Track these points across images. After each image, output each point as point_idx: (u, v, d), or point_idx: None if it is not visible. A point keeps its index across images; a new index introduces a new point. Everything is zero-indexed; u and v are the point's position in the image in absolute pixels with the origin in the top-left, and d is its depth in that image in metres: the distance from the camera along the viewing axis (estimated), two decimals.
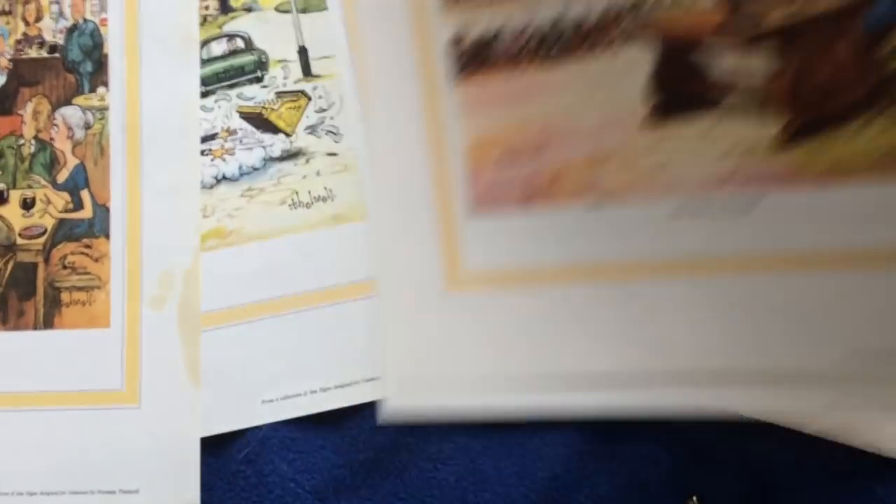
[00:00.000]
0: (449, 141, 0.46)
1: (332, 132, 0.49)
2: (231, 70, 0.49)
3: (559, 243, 0.45)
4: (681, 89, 0.44)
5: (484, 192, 0.45)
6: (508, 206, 0.45)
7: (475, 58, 0.46)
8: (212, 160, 0.49)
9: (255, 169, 0.49)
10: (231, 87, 0.49)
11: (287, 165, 0.49)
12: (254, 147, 0.49)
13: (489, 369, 0.45)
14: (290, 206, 0.48)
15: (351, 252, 0.48)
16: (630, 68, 0.44)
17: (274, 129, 0.49)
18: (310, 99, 0.49)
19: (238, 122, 0.49)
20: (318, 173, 0.49)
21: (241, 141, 0.49)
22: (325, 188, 0.49)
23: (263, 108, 0.49)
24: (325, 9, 0.49)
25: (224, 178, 0.48)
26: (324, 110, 0.49)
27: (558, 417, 0.47)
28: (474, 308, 0.45)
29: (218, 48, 0.49)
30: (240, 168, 0.49)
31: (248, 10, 0.49)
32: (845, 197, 0.41)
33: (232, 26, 0.49)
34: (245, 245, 0.48)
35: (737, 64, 0.43)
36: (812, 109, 0.42)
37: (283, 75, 0.49)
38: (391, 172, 0.46)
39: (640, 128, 0.44)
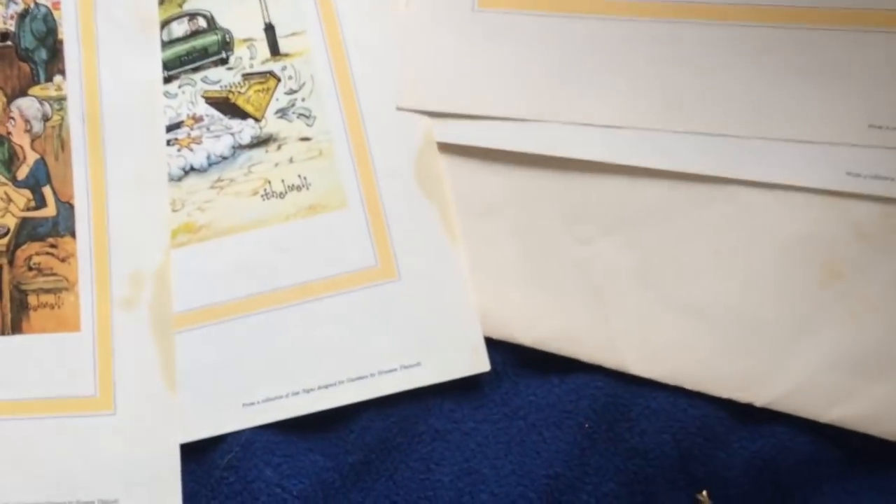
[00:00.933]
0: None
1: (304, 115, 0.46)
2: (194, 52, 0.46)
3: (568, 45, 0.44)
4: None
5: None
6: (514, 3, 0.45)
7: None
8: (178, 150, 0.45)
9: (224, 158, 0.45)
10: (195, 70, 0.46)
11: (258, 153, 0.46)
12: (221, 134, 0.46)
13: (504, 95, 0.45)
14: (262, 196, 0.45)
15: (330, 244, 0.45)
16: None
17: (242, 115, 0.46)
18: (279, 80, 0.46)
19: (204, 109, 0.46)
20: (290, 160, 0.45)
21: (208, 128, 0.46)
22: (300, 176, 0.45)
23: (230, 91, 0.46)
24: None
25: (192, 168, 0.45)
26: (294, 91, 0.46)
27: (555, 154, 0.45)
28: (504, 28, 0.45)
29: (179, 29, 0.46)
30: (208, 158, 0.45)
31: None
32: None
33: (193, 4, 0.46)
34: (217, 240, 0.45)
35: None
36: None
37: (250, 55, 0.46)
38: None
39: None
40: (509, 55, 0.45)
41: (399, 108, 0.45)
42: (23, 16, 0.46)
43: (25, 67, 0.46)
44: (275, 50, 0.46)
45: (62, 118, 0.46)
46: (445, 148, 0.45)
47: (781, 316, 0.44)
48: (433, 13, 0.45)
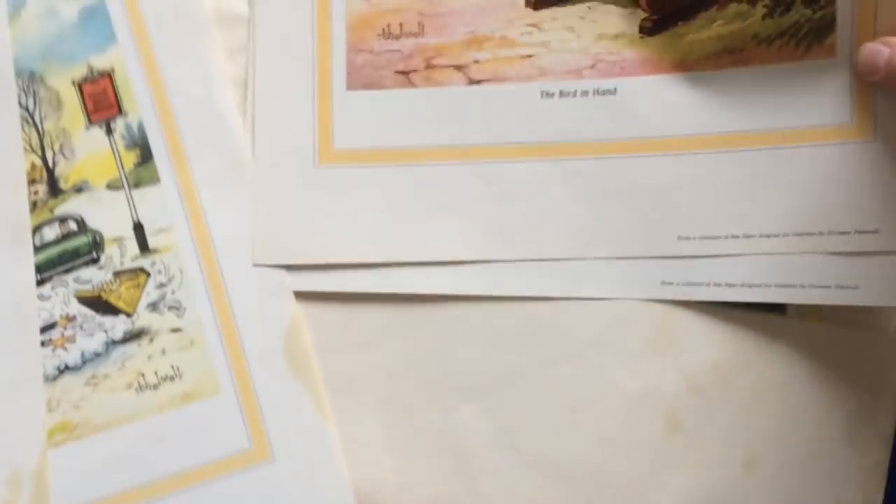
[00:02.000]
0: (334, 14, 0.49)
1: (174, 307, 0.48)
2: (66, 254, 0.48)
3: (434, 121, 0.49)
4: None
5: (361, 68, 0.49)
6: (385, 83, 0.49)
7: None
8: (53, 350, 0.47)
9: (98, 354, 0.47)
10: (67, 271, 0.48)
11: (130, 347, 0.47)
12: (95, 332, 0.47)
13: (352, 243, 0.48)
14: (136, 389, 0.47)
15: (204, 431, 0.47)
16: None
17: (114, 311, 0.48)
18: (149, 275, 0.48)
19: (77, 308, 0.47)
20: (163, 352, 0.47)
21: (81, 327, 0.47)
22: (172, 367, 0.47)
23: (102, 290, 0.48)
24: (157, 181, 0.48)
25: (67, 367, 0.47)
26: (164, 285, 0.48)
27: (405, 291, 0.48)
28: (344, 181, 0.48)
29: (51, 233, 0.48)
30: (82, 355, 0.47)
31: (79, 190, 0.48)
32: (693, 84, 0.47)
33: (63, 209, 0.48)
34: (94, 436, 0.46)
35: None
36: (668, 4, 0.48)
37: (120, 253, 0.48)
38: (275, 42, 0.49)
39: (521, 10, 0.48)
40: (351, 205, 0.48)
41: (256, 265, 0.48)
42: None
43: None
44: (144, 247, 0.48)
45: None
46: (311, 318, 0.48)
47: (632, 469, 0.48)
48: (279, 170, 0.48)
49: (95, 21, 0.48)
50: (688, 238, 0.47)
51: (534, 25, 0.49)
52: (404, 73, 0.49)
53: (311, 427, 0.48)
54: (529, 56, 0.49)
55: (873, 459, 0.47)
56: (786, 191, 0.46)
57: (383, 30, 0.49)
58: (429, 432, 0.48)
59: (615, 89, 0.47)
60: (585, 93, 0.48)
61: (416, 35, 0.49)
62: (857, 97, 0.46)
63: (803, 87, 0.46)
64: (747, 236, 0.47)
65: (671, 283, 0.47)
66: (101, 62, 0.48)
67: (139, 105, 0.48)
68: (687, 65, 0.47)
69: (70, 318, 0.48)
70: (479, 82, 0.48)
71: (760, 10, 0.46)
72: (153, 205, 0.48)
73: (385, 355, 0.48)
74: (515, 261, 0.48)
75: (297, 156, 0.49)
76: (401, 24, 0.49)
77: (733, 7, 0.47)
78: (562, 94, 0.48)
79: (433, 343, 0.48)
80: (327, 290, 0.48)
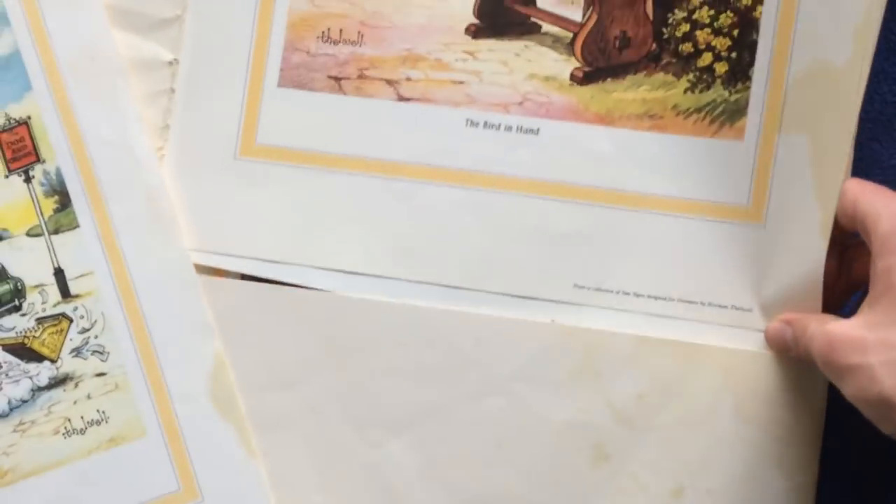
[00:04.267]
0: (276, 9, 0.49)
1: (97, 351, 0.48)
2: None
3: (357, 131, 0.49)
4: (508, 9, 0.49)
5: (296, 67, 0.49)
6: (316, 86, 0.49)
7: None
8: None
9: (25, 401, 0.47)
10: None
11: (56, 392, 0.48)
12: (20, 379, 0.48)
13: (257, 237, 0.49)
14: (63, 434, 0.47)
15: (132, 474, 0.47)
16: None
17: (38, 357, 0.48)
18: (71, 321, 0.48)
19: (1, 355, 0.47)
20: (88, 396, 0.47)
21: (6, 374, 0.47)
22: (98, 410, 0.47)
23: (25, 337, 0.48)
24: (76, 226, 0.48)
25: None
26: (87, 330, 0.48)
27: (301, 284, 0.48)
28: (260, 176, 0.49)
29: None
30: (9, 403, 0.47)
31: None
32: (612, 139, 0.48)
33: None
34: (23, 482, 0.47)
35: (559, 2, 0.49)
36: (602, 59, 0.49)
37: (42, 300, 0.48)
38: (213, 26, 0.49)
39: (460, 38, 0.49)
40: (263, 201, 0.49)
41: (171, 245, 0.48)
42: None
43: None
44: (65, 292, 0.48)
45: None
46: (235, 357, 0.48)
47: (560, 500, 0.47)
48: (200, 154, 0.49)
49: (11, 70, 0.48)
50: (583, 287, 0.48)
51: (470, 53, 0.49)
52: (336, 78, 0.49)
53: (239, 466, 0.48)
54: (461, 82, 0.49)
55: (801, 481, 0.46)
56: (678, 257, 0.47)
57: (323, 33, 0.49)
58: (357, 468, 0.48)
59: (538, 130, 0.48)
60: (510, 128, 0.48)
61: (354, 43, 0.49)
62: (756, 182, 0.47)
63: (711, 163, 0.47)
64: (637, 295, 0.48)
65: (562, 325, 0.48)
66: (17, 110, 0.48)
67: (56, 151, 0.48)
68: (610, 119, 0.48)
69: None
70: (407, 100, 0.49)
71: (684, 84, 0.48)
72: (73, 250, 0.48)
73: (311, 392, 0.48)
74: (413, 281, 0.48)
75: (220, 144, 0.49)
76: (341, 30, 0.49)
77: (660, 76, 0.48)
78: (486, 124, 0.48)
79: (358, 378, 0.48)
80: (226, 268, 0.48)
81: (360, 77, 0.49)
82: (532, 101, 0.48)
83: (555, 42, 0.49)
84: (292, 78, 0.49)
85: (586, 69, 0.48)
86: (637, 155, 0.47)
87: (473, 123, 0.48)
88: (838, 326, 0.41)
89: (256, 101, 0.49)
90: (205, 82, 0.49)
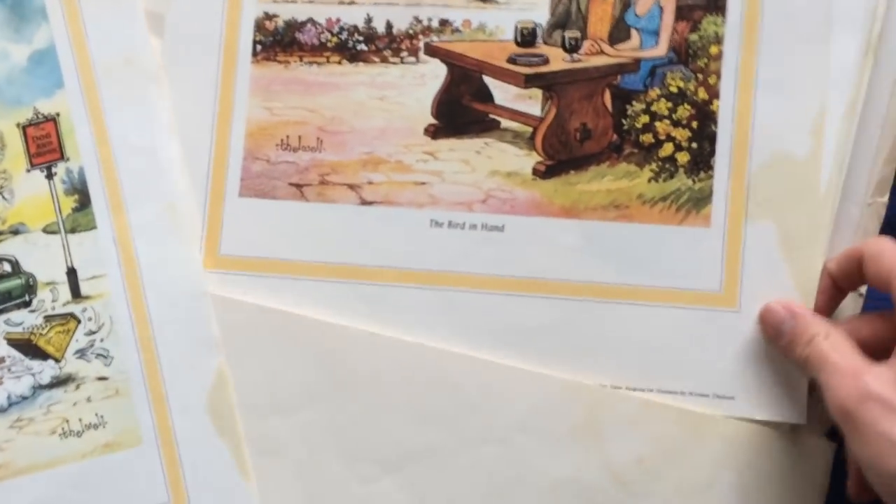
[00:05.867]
0: (235, 119, 0.49)
1: (102, 355, 0.48)
2: None
3: (322, 238, 0.49)
4: (466, 107, 0.50)
5: (256, 177, 0.49)
6: (278, 194, 0.49)
7: (280, 40, 0.50)
8: None
9: (25, 398, 0.47)
10: None
11: (57, 392, 0.47)
12: (22, 375, 0.48)
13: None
14: (60, 435, 0.47)
15: (125, 481, 0.47)
16: (426, 79, 0.50)
17: (43, 355, 0.48)
18: (79, 322, 0.48)
19: (6, 350, 0.47)
20: (88, 399, 0.47)
21: (9, 369, 0.48)
22: (97, 414, 0.47)
23: (32, 333, 0.48)
24: (94, 228, 0.47)
25: None
26: (94, 332, 0.48)
27: None
28: (230, 288, 0.48)
29: None
30: (8, 398, 0.47)
31: (15, 232, 0.48)
32: (579, 231, 0.48)
33: None
34: (16, 479, 0.47)
35: (517, 97, 0.49)
36: (564, 152, 0.49)
37: (52, 298, 0.48)
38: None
39: (420, 139, 0.49)
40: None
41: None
42: None
43: None
44: (76, 293, 0.48)
45: None
46: (237, 375, 0.48)
47: None
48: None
49: (44, 65, 0.48)
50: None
51: (430, 154, 0.49)
52: (298, 186, 0.49)
53: (231, 485, 0.47)
54: (423, 183, 0.49)
55: None
56: (652, 347, 0.47)
57: (282, 140, 0.49)
58: (348, 501, 0.48)
59: (503, 226, 0.48)
60: (474, 226, 0.48)
61: (313, 150, 0.49)
62: (727, 268, 0.47)
63: (679, 251, 0.47)
64: (614, 387, 0.47)
65: None
66: (47, 106, 0.48)
67: (82, 151, 0.48)
68: (575, 212, 0.48)
69: None
70: (370, 203, 0.48)
71: (647, 174, 0.48)
72: (88, 251, 0.48)
73: (308, 420, 0.48)
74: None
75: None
76: (300, 137, 0.49)
77: (623, 166, 0.48)
78: (451, 224, 0.48)
79: (357, 411, 0.48)
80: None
81: (322, 183, 0.49)
82: (495, 197, 0.48)
83: (515, 137, 0.49)
84: (253, 187, 0.49)
85: (548, 163, 0.48)
86: (605, 246, 0.47)
87: (437, 224, 0.48)
88: (875, 381, 0.39)
89: (218, 213, 0.49)
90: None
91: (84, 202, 0.48)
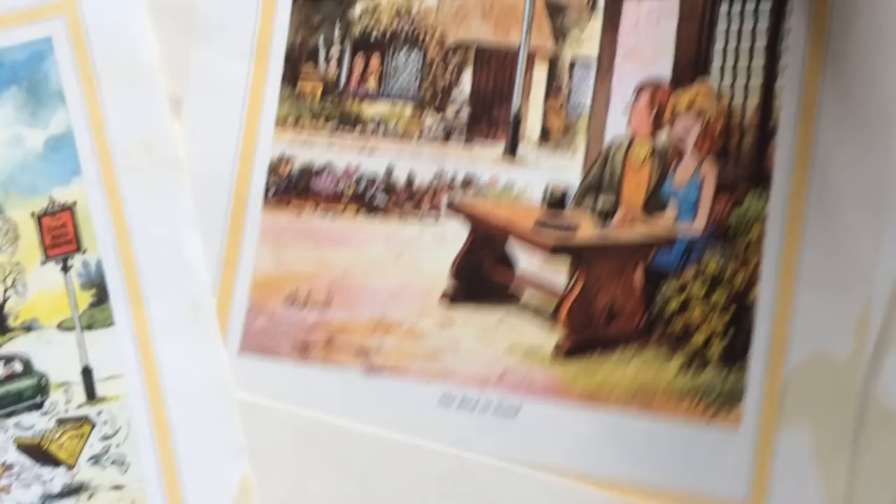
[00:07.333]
0: (241, 268, 0.46)
1: (117, 462, 0.44)
2: (8, 397, 0.44)
3: (323, 404, 0.45)
4: (486, 274, 0.47)
5: (259, 333, 0.46)
6: (280, 351, 0.46)
7: (294, 185, 0.47)
8: None
9: None
10: (8, 415, 0.44)
11: (68, 503, 0.44)
12: (31, 483, 0.44)
13: None
14: None
15: None
16: (446, 240, 0.46)
17: (54, 462, 0.44)
18: (94, 425, 0.45)
19: (15, 456, 0.44)
20: None
21: (17, 477, 0.44)
22: None
23: (43, 438, 0.44)
24: (111, 324, 0.45)
25: None
26: (109, 437, 0.45)
27: None
28: None
29: None
30: None
31: (28, 329, 0.45)
32: (599, 421, 0.44)
33: (10, 347, 0.45)
34: None
35: (541, 267, 0.46)
36: (588, 330, 0.45)
37: (66, 399, 0.45)
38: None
39: (435, 304, 0.46)
40: None
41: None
42: None
43: None
44: (91, 394, 0.45)
45: None
46: (261, 483, 0.45)
47: None
48: None
49: (61, 151, 0.45)
50: None
51: (446, 321, 0.46)
52: (303, 345, 0.46)
53: None
54: (435, 354, 0.45)
55: None
56: None
57: (289, 294, 0.46)
58: None
59: (520, 407, 0.44)
60: (487, 406, 0.45)
61: (322, 306, 0.46)
62: (756, 473, 0.43)
63: (705, 452, 0.44)
64: None
65: None
66: (63, 195, 0.45)
67: (99, 242, 0.45)
68: (597, 398, 0.44)
69: (7, 467, 0.44)
70: (378, 370, 0.45)
71: (677, 362, 0.45)
72: (105, 349, 0.45)
73: None
74: None
75: None
76: (309, 292, 0.46)
77: (651, 351, 0.45)
78: (462, 402, 0.45)
79: None
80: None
81: (328, 343, 0.45)
82: (512, 375, 0.45)
83: (537, 311, 0.46)
84: (255, 344, 0.45)
85: (573, 337, 0.45)
86: (625, 439, 0.44)
87: (448, 400, 0.45)
88: None
89: None
90: None
91: (101, 297, 0.45)
